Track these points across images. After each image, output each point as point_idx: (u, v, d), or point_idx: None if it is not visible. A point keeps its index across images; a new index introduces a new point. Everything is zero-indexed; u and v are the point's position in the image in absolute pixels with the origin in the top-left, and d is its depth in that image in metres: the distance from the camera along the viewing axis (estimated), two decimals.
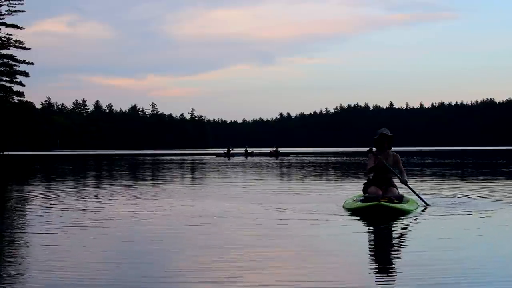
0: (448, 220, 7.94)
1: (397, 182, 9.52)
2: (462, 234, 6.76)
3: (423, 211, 8.79)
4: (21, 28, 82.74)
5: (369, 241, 6.61)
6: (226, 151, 59.73)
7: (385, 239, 6.79)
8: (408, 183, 9.54)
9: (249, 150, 62.65)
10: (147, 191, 13.78)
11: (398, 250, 6.07)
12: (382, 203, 8.22)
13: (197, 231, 7.21)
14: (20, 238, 6.83)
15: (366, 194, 9.17)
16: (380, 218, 7.99)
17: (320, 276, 4.76)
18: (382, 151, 9.43)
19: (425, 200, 9.51)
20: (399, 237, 6.94)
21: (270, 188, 13.92)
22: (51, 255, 5.72)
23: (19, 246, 6.24)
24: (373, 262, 5.42)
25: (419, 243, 6.31)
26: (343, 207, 9.18)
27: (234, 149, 63.49)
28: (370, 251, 6.01)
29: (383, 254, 5.86)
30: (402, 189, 9.72)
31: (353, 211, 8.58)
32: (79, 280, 4.65)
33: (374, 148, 9.50)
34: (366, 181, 9.48)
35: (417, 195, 9.58)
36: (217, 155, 59.16)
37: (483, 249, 5.87)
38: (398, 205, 8.42)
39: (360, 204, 8.61)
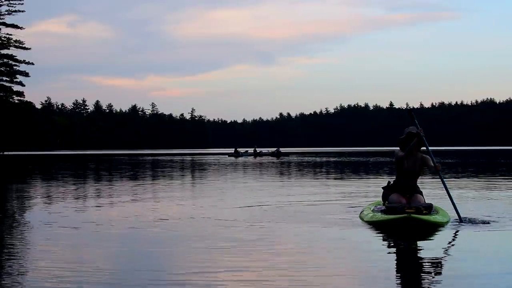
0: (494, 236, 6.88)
1: (424, 188, 8.33)
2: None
3: (456, 223, 7.55)
4: (21, 28, 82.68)
5: (393, 260, 5.56)
6: (234, 151, 62.80)
7: (416, 259, 5.57)
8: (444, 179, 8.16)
9: (258, 150, 64.71)
10: (147, 191, 13.77)
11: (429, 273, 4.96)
12: (413, 215, 6.95)
13: (198, 231, 7.20)
14: (20, 238, 6.81)
15: (386, 202, 7.89)
16: (409, 233, 6.83)
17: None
18: (409, 153, 7.96)
19: (460, 214, 7.83)
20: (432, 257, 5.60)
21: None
22: (51, 254, 5.71)
23: (19, 246, 6.23)
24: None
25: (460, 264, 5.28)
26: (361, 218, 7.91)
27: (239, 149, 66.19)
28: (396, 272, 5.06)
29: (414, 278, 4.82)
30: (428, 197, 8.63)
31: (375, 225, 7.32)
32: (79, 280, 4.64)
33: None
34: (385, 185, 8.18)
35: (453, 203, 7.93)
36: (229, 154, 62.22)
37: None
38: (431, 218, 7.17)
39: (384, 216, 7.31)
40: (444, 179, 8.25)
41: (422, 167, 8.01)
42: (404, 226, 6.94)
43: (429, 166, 7.95)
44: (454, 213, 7.85)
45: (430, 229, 6.99)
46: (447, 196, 8.09)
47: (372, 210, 7.89)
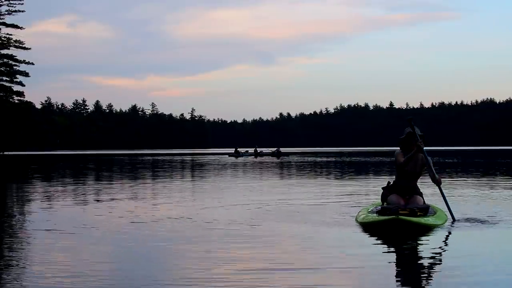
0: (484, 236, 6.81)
1: (424, 189, 8.18)
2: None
3: (452, 224, 7.52)
4: (21, 28, 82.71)
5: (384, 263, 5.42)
6: (234, 151, 63.50)
7: (415, 261, 5.55)
8: (441, 186, 8.12)
9: (259, 150, 65.60)
10: (147, 192, 13.76)
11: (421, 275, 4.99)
12: (401, 217, 6.84)
13: (197, 232, 7.19)
14: (20, 238, 6.80)
15: (385, 203, 7.85)
16: (398, 234, 6.70)
17: None
18: (409, 159, 7.83)
19: (453, 213, 7.89)
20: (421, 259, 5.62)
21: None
22: (51, 255, 5.70)
23: (19, 247, 6.22)
24: None
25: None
26: (356, 220, 7.73)
27: (239, 148, 66.94)
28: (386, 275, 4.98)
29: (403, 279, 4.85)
30: (427, 197, 8.49)
31: (367, 226, 7.21)
32: (78, 280, 4.63)
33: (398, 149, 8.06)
34: (385, 185, 8.06)
35: (446, 203, 7.97)
36: (230, 155, 62.93)
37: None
38: (421, 220, 7.06)
39: (375, 217, 7.20)
40: (444, 179, 8.21)
41: (423, 168, 7.94)
42: (392, 228, 6.83)
43: (429, 171, 7.92)
44: (455, 215, 7.86)
45: (420, 231, 6.85)
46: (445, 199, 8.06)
47: (369, 211, 7.74)
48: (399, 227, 6.81)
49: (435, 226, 7.16)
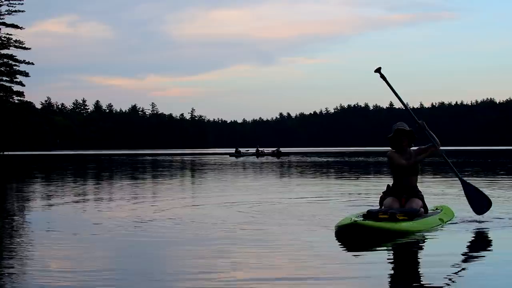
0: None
1: (428, 189, 8.00)
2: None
3: (446, 226, 7.37)
4: (21, 28, 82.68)
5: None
6: (235, 151, 63.67)
7: (413, 262, 5.81)
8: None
9: (260, 149, 65.77)
10: (147, 192, 13.75)
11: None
12: (358, 222, 6.39)
13: (196, 234, 7.18)
14: (20, 239, 6.79)
15: (382, 207, 7.55)
16: (363, 240, 6.30)
17: None
18: (400, 151, 7.72)
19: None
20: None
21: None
22: (51, 255, 5.69)
23: (19, 247, 6.20)
24: None
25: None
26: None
27: (241, 148, 67.29)
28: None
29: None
30: (428, 198, 8.23)
31: (335, 232, 6.74)
32: (78, 281, 4.62)
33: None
34: (385, 189, 7.82)
35: (455, 172, 8.10)
36: (231, 154, 63.14)
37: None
38: (386, 224, 6.58)
39: (341, 222, 6.77)
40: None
41: (418, 161, 7.73)
42: (351, 234, 6.39)
43: (425, 149, 7.79)
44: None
45: (388, 237, 6.44)
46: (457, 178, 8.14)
47: (356, 217, 7.14)
48: (357, 233, 6.36)
49: (412, 231, 6.71)
